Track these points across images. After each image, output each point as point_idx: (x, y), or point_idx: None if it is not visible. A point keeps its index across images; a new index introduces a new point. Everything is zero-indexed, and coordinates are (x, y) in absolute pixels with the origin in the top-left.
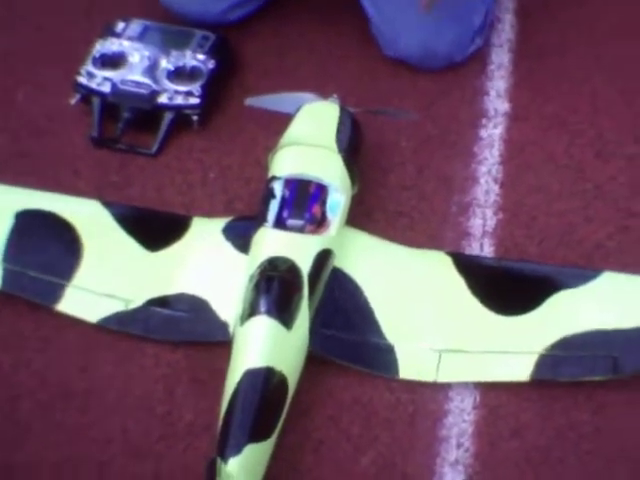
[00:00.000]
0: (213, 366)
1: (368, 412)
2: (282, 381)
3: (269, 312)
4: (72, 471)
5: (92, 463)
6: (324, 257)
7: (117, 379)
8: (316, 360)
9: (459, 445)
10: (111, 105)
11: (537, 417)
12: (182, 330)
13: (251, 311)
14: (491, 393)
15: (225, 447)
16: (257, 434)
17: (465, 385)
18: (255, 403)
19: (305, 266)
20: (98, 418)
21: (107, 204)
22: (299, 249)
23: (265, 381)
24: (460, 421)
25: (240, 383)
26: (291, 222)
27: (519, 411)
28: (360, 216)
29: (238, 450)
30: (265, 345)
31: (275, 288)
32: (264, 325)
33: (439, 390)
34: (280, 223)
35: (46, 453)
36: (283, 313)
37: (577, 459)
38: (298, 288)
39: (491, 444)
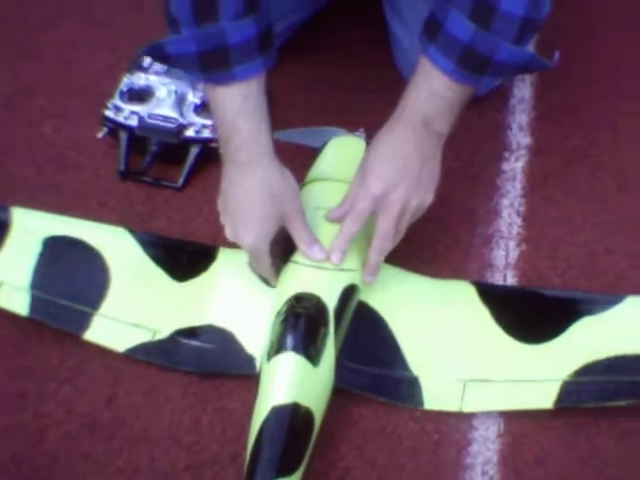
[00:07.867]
0: (239, 396)
1: (393, 441)
2: (308, 416)
3: (296, 348)
4: None
5: None
6: (350, 292)
7: (144, 409)
8: (341, 390)
9: (484, 473)
10: (138, 139)
11: (561, 445)
12: (208, 362)
13: (278, 347)
14: (515, 421)
15: None
16: (284, 469)
17: (489, 414)
18: (282, 439)
19: (331, 302)
20: (125, 448)
21: (134, 232)
22: (325, 285)
23: (292, 417)
24: (485, 449)
25: (267, 419)
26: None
27: (543, 439)
28: None
29: None
30: (292, 381)
31: (302, 325)
32: (291, 361)
33: (463, 419)
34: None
35: None
36: (309, 349)
37: None
38: (324, 324)
39: (516, 472)
